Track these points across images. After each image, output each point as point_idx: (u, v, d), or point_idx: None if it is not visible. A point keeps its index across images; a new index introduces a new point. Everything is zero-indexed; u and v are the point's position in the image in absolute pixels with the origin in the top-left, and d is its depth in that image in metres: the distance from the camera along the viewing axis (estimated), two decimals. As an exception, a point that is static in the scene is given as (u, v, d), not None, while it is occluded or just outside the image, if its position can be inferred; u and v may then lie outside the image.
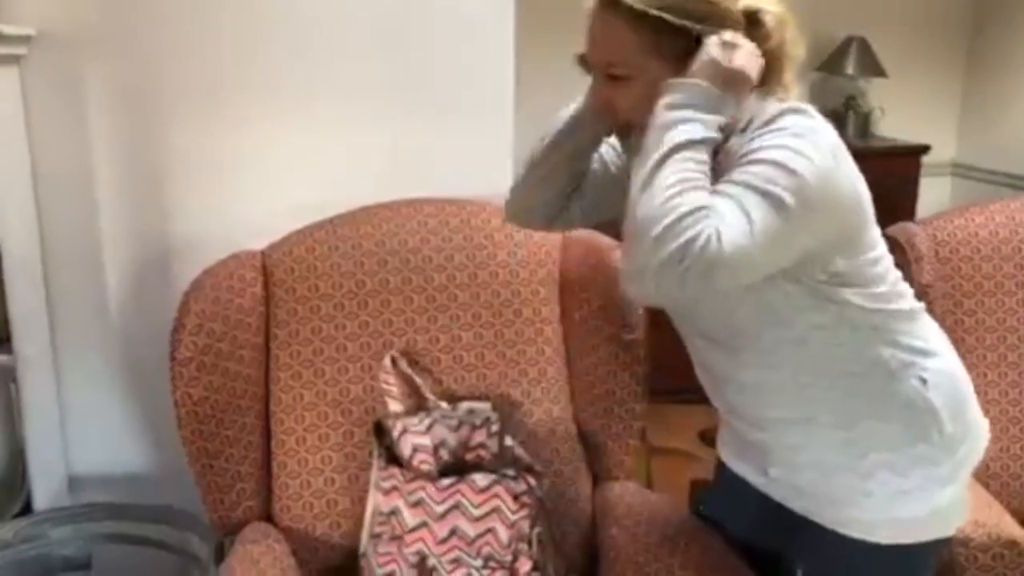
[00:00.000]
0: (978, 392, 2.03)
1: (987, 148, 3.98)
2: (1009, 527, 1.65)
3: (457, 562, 1.59)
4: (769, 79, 1.27)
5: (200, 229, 1.94)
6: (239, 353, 1.72)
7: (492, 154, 2.02)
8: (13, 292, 1.86)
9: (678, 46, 1.22)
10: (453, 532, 1.59)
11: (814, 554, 1.41)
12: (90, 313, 1.96)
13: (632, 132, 1.32)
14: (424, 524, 1.60)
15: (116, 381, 2.01)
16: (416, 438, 1.64)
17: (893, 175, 3.64)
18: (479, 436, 1.69)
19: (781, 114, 1.22)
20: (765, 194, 1.14)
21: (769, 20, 1.25)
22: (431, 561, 1.59)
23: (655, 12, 1.21)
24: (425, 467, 1.63)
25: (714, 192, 1.15)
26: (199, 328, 1.67)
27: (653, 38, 1.23)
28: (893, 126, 3.90)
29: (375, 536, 1.65)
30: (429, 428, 1.64)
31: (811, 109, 1.26)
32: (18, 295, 1.86)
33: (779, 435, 1.40)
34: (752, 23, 1.25)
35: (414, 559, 1.59)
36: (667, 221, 1.10)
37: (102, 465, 2.03)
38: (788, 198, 1.14)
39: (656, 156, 1.16)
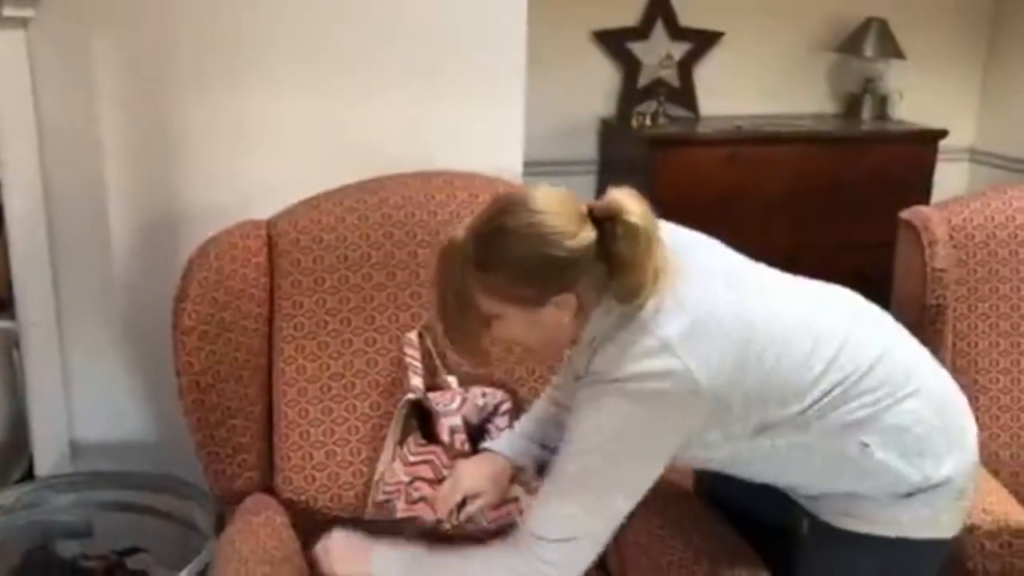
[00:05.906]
0: (989, 380, 1.98)
1: (1006, 134, 3.91)
2: (1017, 515, 1.63)
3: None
4: (617, 286, 1.25)
5: (206, 196, 1.92)
6: (242, 323, 1.71)
7: (502, 127, 2.01)
8: (17, 257, 1.85)
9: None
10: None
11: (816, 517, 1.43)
12: (94, 279, 1.95)
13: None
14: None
15: (120, 348, 2.00)
16: (451, 419, 1.65)
17: (909, 160, 3.59)
18: (500, 421, 1.71)
19: (604, 395, 1.24)
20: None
21: (619, 231, 1.22)
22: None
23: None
24: (466, 447, 1.65)
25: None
26: (202, 297, 1.66)
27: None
28: (911, 110, 3.84)
29: (379, 504, 1.66)
30: (460, 407, 1.65)
31: (638, 382, 1.23)
32: (22, 260, 1.86)
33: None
34: (607, 226, 1.23)
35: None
36: None
37: (104, 433, 2.03)
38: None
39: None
